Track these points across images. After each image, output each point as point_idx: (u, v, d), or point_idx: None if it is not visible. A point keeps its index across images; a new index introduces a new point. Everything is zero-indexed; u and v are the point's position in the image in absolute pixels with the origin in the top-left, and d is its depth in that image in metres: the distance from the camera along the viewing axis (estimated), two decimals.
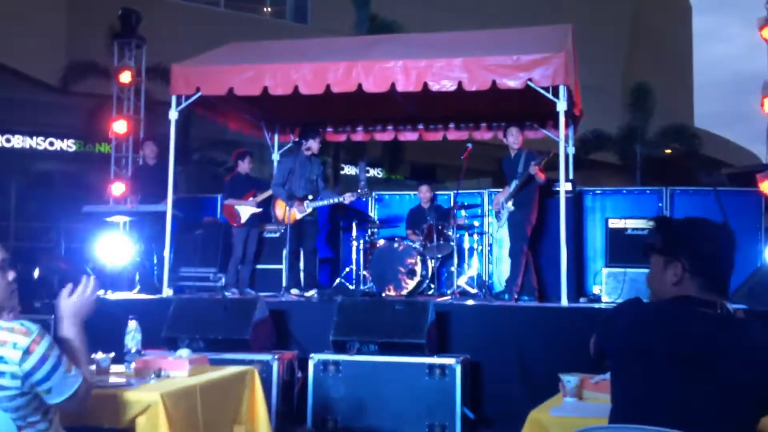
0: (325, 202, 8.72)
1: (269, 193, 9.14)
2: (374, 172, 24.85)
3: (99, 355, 3.68)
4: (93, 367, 3.52)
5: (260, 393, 4.01)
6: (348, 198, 8.63)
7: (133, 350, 4.07)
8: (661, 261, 2.50)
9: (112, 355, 3.86)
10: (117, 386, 3.43)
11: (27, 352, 2.62)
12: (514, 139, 8.32)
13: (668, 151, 23.54)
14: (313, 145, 8.60)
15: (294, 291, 8.42)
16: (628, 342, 2.44)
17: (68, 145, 21.42)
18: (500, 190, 8.72)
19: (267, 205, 9.21)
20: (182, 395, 3.41)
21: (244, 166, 9.47)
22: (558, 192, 7.75)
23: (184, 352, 4.01)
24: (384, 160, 23.23)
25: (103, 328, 6.80)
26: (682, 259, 2.44)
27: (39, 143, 21.17)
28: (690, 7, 41.41)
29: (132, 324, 4.20)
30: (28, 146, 21.10)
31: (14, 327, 2.67)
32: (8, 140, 20.87)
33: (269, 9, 24.54)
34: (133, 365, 3.88)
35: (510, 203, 8.11)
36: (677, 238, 2.50)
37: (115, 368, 3.89)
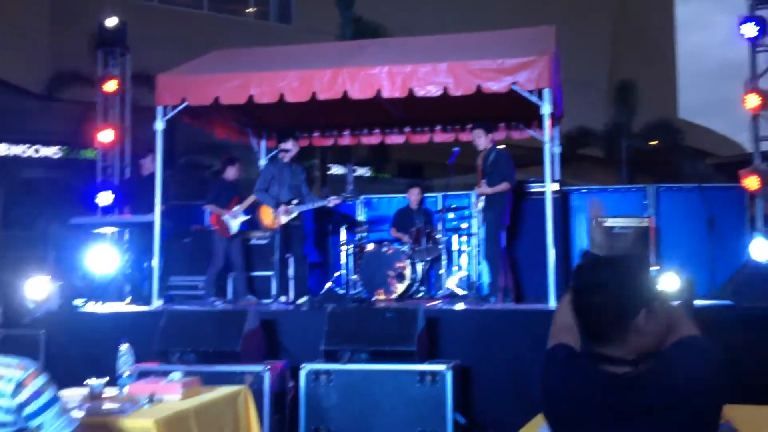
0: (311, 206, 8.71)
1: (252, 199, 9.12)
2: (361, 171, 24.88)
3: (92, 381, 3.70)
4: (86, 391, 3.54)
5: (254, 412, 4.04)
6: (333, 201, 8.63)
7: (126, 374, 4.08)
8: None
9: (106, 380, 3.87)
10: (110, 413, 3.44)
11: (20, 385, 2.63)
12: (478, 141, 8.35)
13: (654, 142, 23.69)
14: (290, 149, 8.58)
15: (283, 299, 8.44)
16: (558, 412, 2.26)
17: (54, 151, 21.33)
18: None
19: (252, 211, 9.21)
20: (176, 420, 3.43)
21: (231, 173, 9.42)
22: (544, 192, 7.79)
23: (176, 375, 4.03)
24: (371, 159, 23.25)
25: (95, 347, 6.90)
26: (572, 304, 2.23)
27: (24, 150, 21.08)
28: None
29: (124, 347, 4.21)
30: (12, 154, 20.99)
31: (12, 362, 2.68)
32: None
33: (253, 9, 24.48)
34: (126, 389, 3.89)
35: (480, 202, 8.15)
36: (573, 279, 2.26)
37: (108, 391, 3.90)
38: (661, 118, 22.58)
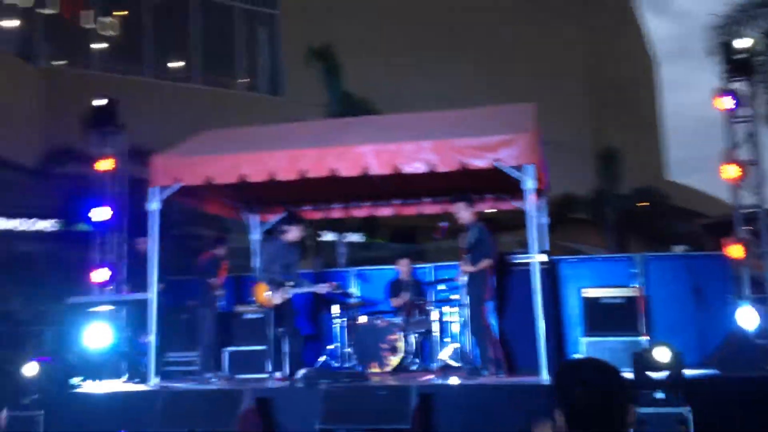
0: (304, 290, 8.94)
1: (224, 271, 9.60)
2: (354, 237, 25.04)
3: None
4: None
5: None
6: (325, 289, 8.85)
7: None
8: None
9: None
10: None
11: None
12: (460, 214, 8.52)
13: (643, 204, 23.97)
14: (289, 231, 8.81)
15: (278, 374, 8.51)
16: None
17: (49, 225, 21.47)
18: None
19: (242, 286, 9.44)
20: None
21: (219, 252, 9.76)
22: (529, 263, 7.93)
23: None
24: (363, 226, 23.45)
25: (94, 429, 6.96)
26: (558, 407, 2.45)
27: (19, 224, 21.19)
28: (654, 60, 42.51)
29: None
30: (7, 228, 21.10)
31: None
32: None
33: (244, 81, 24.97)
34: None
35: (464, 277, 8.31)
36: (554, 386, 2.53)
37: None
38: (646, 184, 22.97)
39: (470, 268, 8.20)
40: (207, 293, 9.62)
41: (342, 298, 10.06)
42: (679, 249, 19.48)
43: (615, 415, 2.41)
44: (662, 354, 6.28)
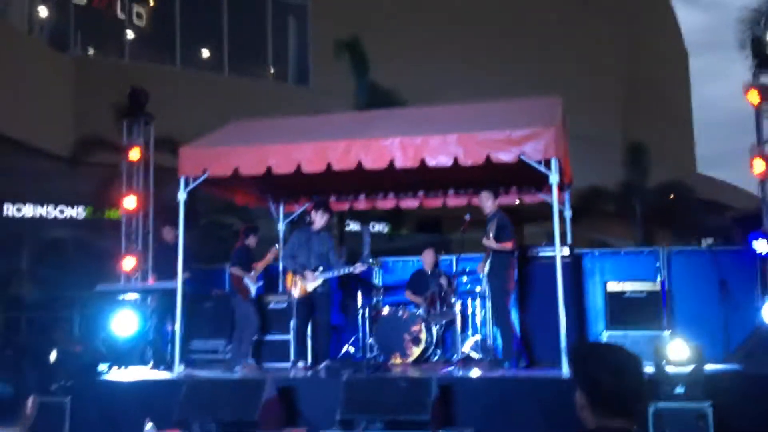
0: (335, 273, 8.89)
1: (269, 260, 9.56)
2: (379, 228, 25.09)
3: None
4: None
5: None
6: (359, 268, 8.84)
7: None
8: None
9: None
10: None
11: None
12: (485, 204, 8.58)
13: (671, 197, 23.75)
14: (317, 219, 8.87)
15: (301, 364, 8.61)
16: None
17: (78, 212, 21.78)
18: None
19: (269, 276, 9.49)
20: None
21: (252, 241, 9.80)
22: (554, 256, 7.94)
23: None
24: (389, 216, 23.47)
25: (118, 416, 7.11)
26: (582, 388, 2.55)
27: (49, 211, 21.54)
28: (686, 52, 42.01)
29: (149, 426, 4.39)
30: (38, 215, 21.46)
31: None
32: (19, 209, 21.25)
33: (274, 71, 25.07)
34: None
35: (485, 269, 8.33)
36: (575, 368, 2.64)
37: None
38: (675, 177, 22.74)
39: (493, 245, 8.20)
40: (236, 283, 9.69)
41: (368, 277, 10.10)
42: (707, 242, 19.27)
43: (640, 400, 2.55)
44: (678, 349, 6.25)
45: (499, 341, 8.69)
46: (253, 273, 9.45)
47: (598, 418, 2.50)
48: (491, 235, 8.25)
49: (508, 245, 8.24)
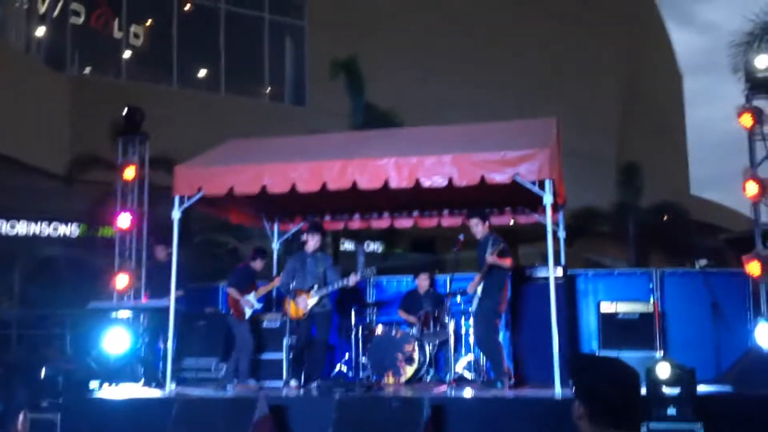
0: (331, 289, 8.82)
1: (269, 288, 9.66)
2: (374, 247, 25.10)
3: None
4: None
5: None
6: (353, 280, 8.83)
7: None
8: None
9: None
10: None
11: None
12: (475, 230, 8.60)
13: (664, 217, 23.83)
14: (310, 241, 8.90)
15: (293, 383, 8.59)
16: None
17: (72, 230, 21.76)
18: None
19: (267, 298, 9.50)
20: None
21: (259, 265, 9.81)
22: (547, 277, 7.96)
23: None
24: (383, 235, 23.50)
25: None
26: (579, 398, 2.57)
27: (43, 229, 21.52)
28: (681, 74, 42.30)
29: None
30: (32, 232, 21.43)
31: None
32: (13, 226, 21.23)
33: (268, 91, 25.17)
34: None
35: (479, 289, 8.33)
36: (576, 377, 2.67)
37: None
38: (667, 199, 22.84)
39: (495, 259, 8.18)
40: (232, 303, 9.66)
41: (361, 295, 10.13)
42: (701, 263, 19.33)
43: (637, 413, 2.62)
44: (665, 370, 6.28)
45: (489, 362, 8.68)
46: (252, 295, 9.45)
47: (596, 428, 2.52)
48: (490, 251, 8.24)
49: (507, 261, 8.26)
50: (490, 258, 8.17)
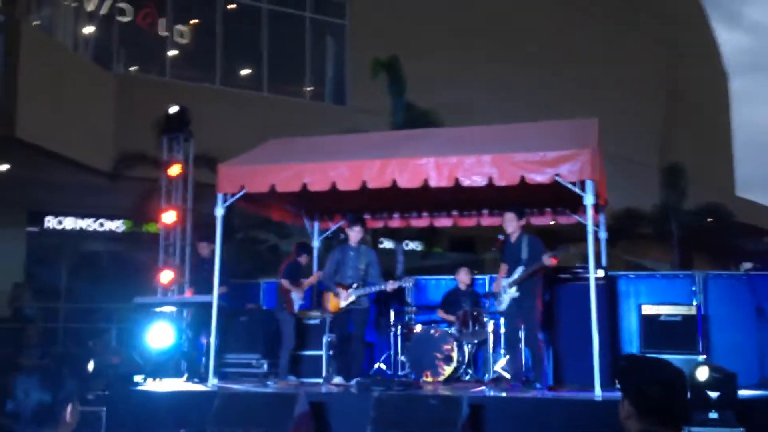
0: (369, 290, 8.88)
1: (315, 278, 9.86)
2: (413, 246, 25.09)
3: None
4: None
5: None
6: (390, 286, 8.87)
7: None
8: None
9: None
10: None
11: None
12: (508, 225, 8.50)
13: (709, 220, 23.45)
14: (351, 234, 8.97)
15: (336, 380, 8.67)
16: None
17: (117, 225, 22.14)
18: None
19: (309, 293, 9.66)
20: None
21: (303, 259, 10.07)
22: (587, 277, 7.91)
23: None
24: (422, 234, 23.47)
25: (153, 426, 7.23)
26: (628, 397, 2.65)
27: (89, 224, 21.92)
28: (726, 73, 41.56)
29: None
30: (78, 228, 21.84)
31: None
32: (60, 222, 21.66)
33: (311, 89, 25.31)
34: None
35: (514, 289, 8.29)
36: (624, 378, 2.74)
37: None
38: (712, 201, 22.43)
39: (551, 262, 8.07)
40: (283, 297, 9.83)
41: (401, 295, 10.19)
42: (746, 267, 19.00)
43: (685, 412, 2.73)
44: (703, 373, 6.23)
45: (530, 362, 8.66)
46: (299, 288, 9.67)
47: (645, 426, 2.60)
48: (547, 255, 8.09)
49: (554, 261, 8.20)
50: (547, 260, 8.07)
